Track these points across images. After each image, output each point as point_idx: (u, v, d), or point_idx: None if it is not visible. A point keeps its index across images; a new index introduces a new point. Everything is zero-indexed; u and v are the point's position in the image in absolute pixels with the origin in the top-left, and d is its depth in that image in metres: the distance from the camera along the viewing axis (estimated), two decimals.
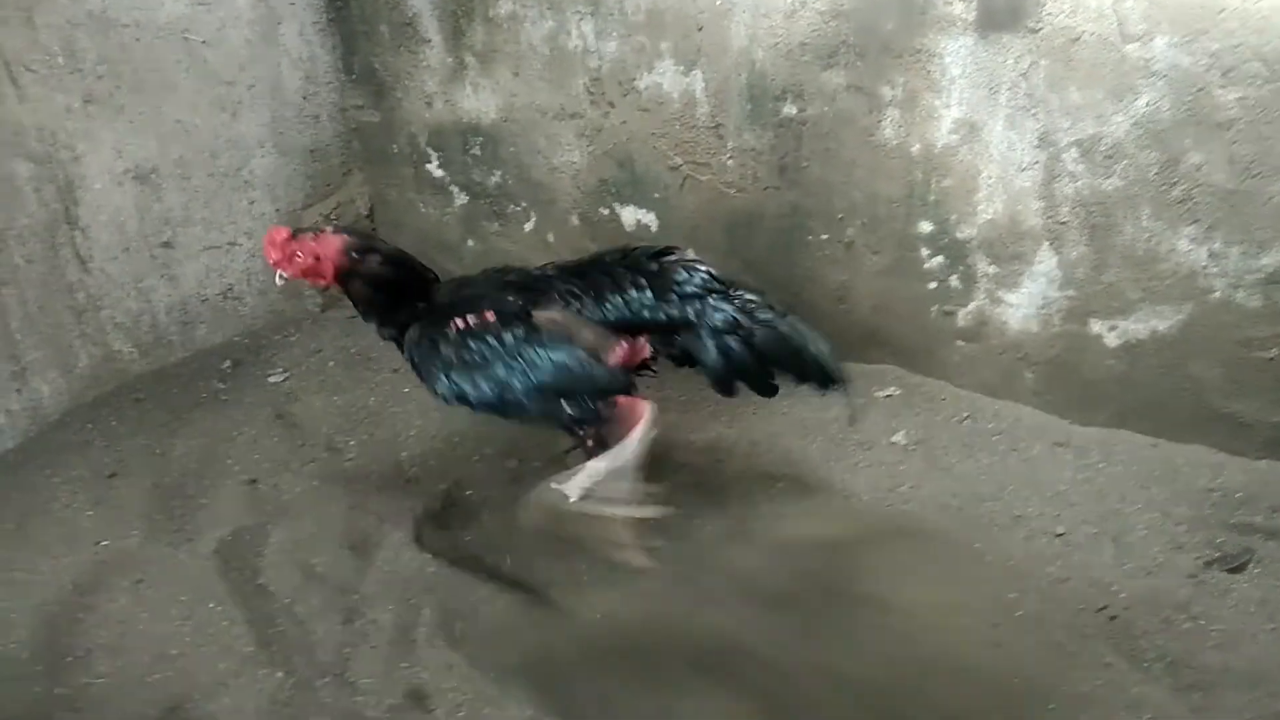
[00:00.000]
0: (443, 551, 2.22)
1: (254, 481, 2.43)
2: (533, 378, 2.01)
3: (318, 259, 2.05)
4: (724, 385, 2.08)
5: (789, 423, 2.57)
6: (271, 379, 2.90)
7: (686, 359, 2.10)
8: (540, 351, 2.01)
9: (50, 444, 2.57)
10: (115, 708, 1.86)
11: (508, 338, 2.02)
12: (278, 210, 3.16)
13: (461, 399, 2.06)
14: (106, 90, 2.60)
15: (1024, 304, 2.48)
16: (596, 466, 2.04)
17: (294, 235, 2.06)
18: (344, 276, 2.08)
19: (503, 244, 3.26)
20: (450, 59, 3.07)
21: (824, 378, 2.08)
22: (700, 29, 2.58)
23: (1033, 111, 2.29)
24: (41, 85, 2.46)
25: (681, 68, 2.66)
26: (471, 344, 2.03)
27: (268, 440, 2.60)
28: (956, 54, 2.32)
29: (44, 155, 2.50)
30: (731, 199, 2.74)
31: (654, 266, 2.08)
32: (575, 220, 3.09)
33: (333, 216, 3.33)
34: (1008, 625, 1.93)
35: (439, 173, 3.31)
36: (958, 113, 2.37)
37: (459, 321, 2.05)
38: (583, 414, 2.05)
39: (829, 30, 2.43)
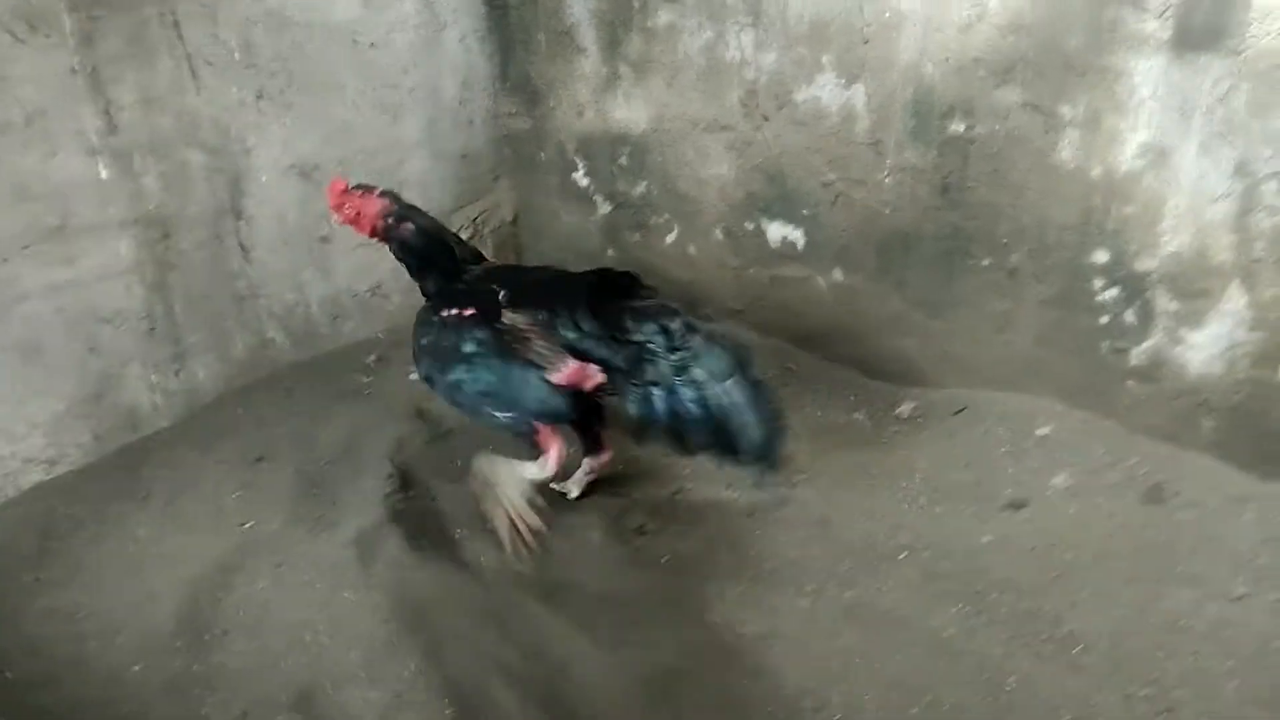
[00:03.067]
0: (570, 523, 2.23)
1: (392, 475, 2.45)
2: (479, 384, 2.10)
3: (359, 215, 2.22)
4: (636, 435, 2.05)
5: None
6: (412, 375, 2.92)
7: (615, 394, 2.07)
8: (492, 361, 2.08)
9: (203, 425, 2.65)
10: (249, 689, 1.87)
11: (469, 342, 2.09)
12: (428, 212, 3.20)
13: (429, 383, 2.20)
14: (278, 86, 2.69)
15: (1207, 345, 2.29)
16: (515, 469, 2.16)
17: (349, 189, 2.21)
18: (382, 236, 2.24)
19: (643, 255, 3.23)
20: (605, 68, 3.06)
21: (742, 459, 1.96)
22: (866, 42, 2.50)
23: (1229, 138, 2.11)
24: (219, 78, 2.56)
25: (843, 81, 2.58)
26: (449, 336, 2.12)
27: (408, 435, 2.62)
28: (1147, 74, 2.17)
29: (217, 146, 2.60)
30: (887, 218, 2.64)
31: (616, 306, 2.01)
32: (719, 234, 3.04)
33: (479, 221, 3.37)
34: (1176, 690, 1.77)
35: (584, 181, 3.31)
36: (1145, 136, 2.21)
37: (444, 312, 2.16)
38: (515, 427, 2.14)
39: (1006, 45, 2.31)
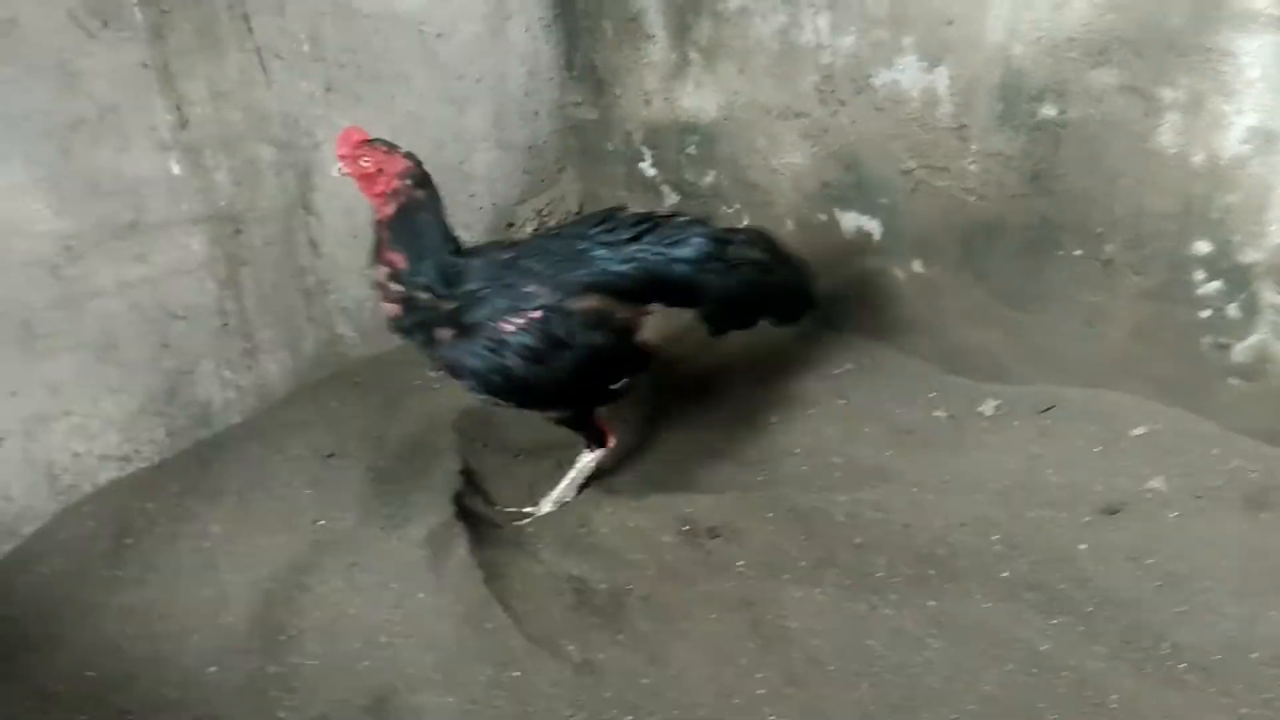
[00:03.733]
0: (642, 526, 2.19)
1: (463, 472, 2.42)
2: (580, 362, 2.14)
3: (380, 170, 2.09)
4: (717, 332, 2.38)
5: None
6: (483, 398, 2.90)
7: (687, 305, 2.29)
8: (582, 338, 2.13)
9: (274, 422, 2.64)
10: (325, 691, 1.85)
11: (559, 331, 2.11)
12: (494, 204, 3.18)
13: (520, 394, 2.17)
14: (346, 79, 2.67)
15: None
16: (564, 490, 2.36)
17: (369, 141, 2.10)
18: (389, 197, 2.09)
19: None
20: (673, 55, 2.99)
21: (799, 312, 2.49)
22: (950, 23, 2.39)
23: None
24: (288, 72, 2.54)
25: (925, 64, 2.48)
26: (527, 340, 2.10)
27: (477, 432, 2.60)
28: (1256, 54, 2.03)
29: (286, 141, 2.58)
30: (970, 207, 2.53)
31: (652, 233, 2.23)
32: (791, 224, 2.95)
33: (544, 212, 3.32)
34: None
35: (651, 171, 3.24)
36: (1252, 120, 2.08)
37: (506, 325, 2.10)
38: (624, 389, 2.30)
39: (1103, 24, 2.19)
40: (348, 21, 2.63)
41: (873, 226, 2.77)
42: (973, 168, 2.49)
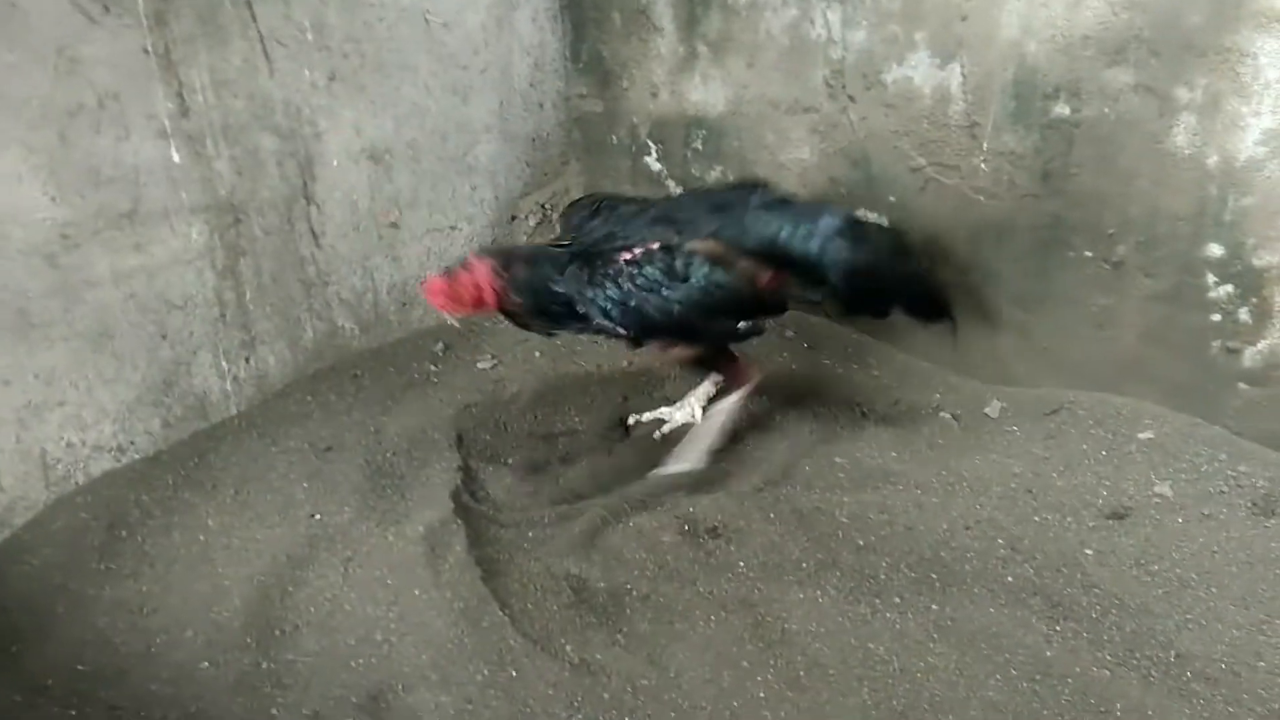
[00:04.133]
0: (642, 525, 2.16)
1: (461, 468, 2.39)
2: (711, 301, 2.17)
3: (479, 289, 2.20)
4: (848, 310, 2.41)
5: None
6: (480, 365, 2.87)
7: (815, 283, 2.27)
8: (706, 274, 2.16)
9: (272, 414, 2.62)
10: (319, 688, 1.83)
11: (677, 264, 2.16)
12: (497, 197, 3.15)
13: (644, 326, 2.20)
14: (350, 68, 2.63)
15: None
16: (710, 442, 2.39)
17: (446, 276, 2.21)
18: (504, 294, 2.21)
19: None
20: (681, 48, 2.95)
21: (933, 316, 2.38)
22: (964, 18, 2.36)
23: None
24: (291, 60, 2.51)
25: (937, 60, 2.44)
26: (646, 271, 2.16)
27: (476, 427, 2.57)
28: (1276, 54, 2.00)
29: (289, 130, 2.55)
30: (980, 206, 2.50)
31: (791, 206, 2.27)
32: None
33: (547, 206, 3.29)
34: None
35: (657, 166, 3.21)
36: (1270, 122, 2.05)
37: (625, 255, 2.18)
38: (755, 329, 2.30)
39: (1119, 22, 2.15)
40: (352, 10, 2.60)
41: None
42: (984, 166, 2.46)
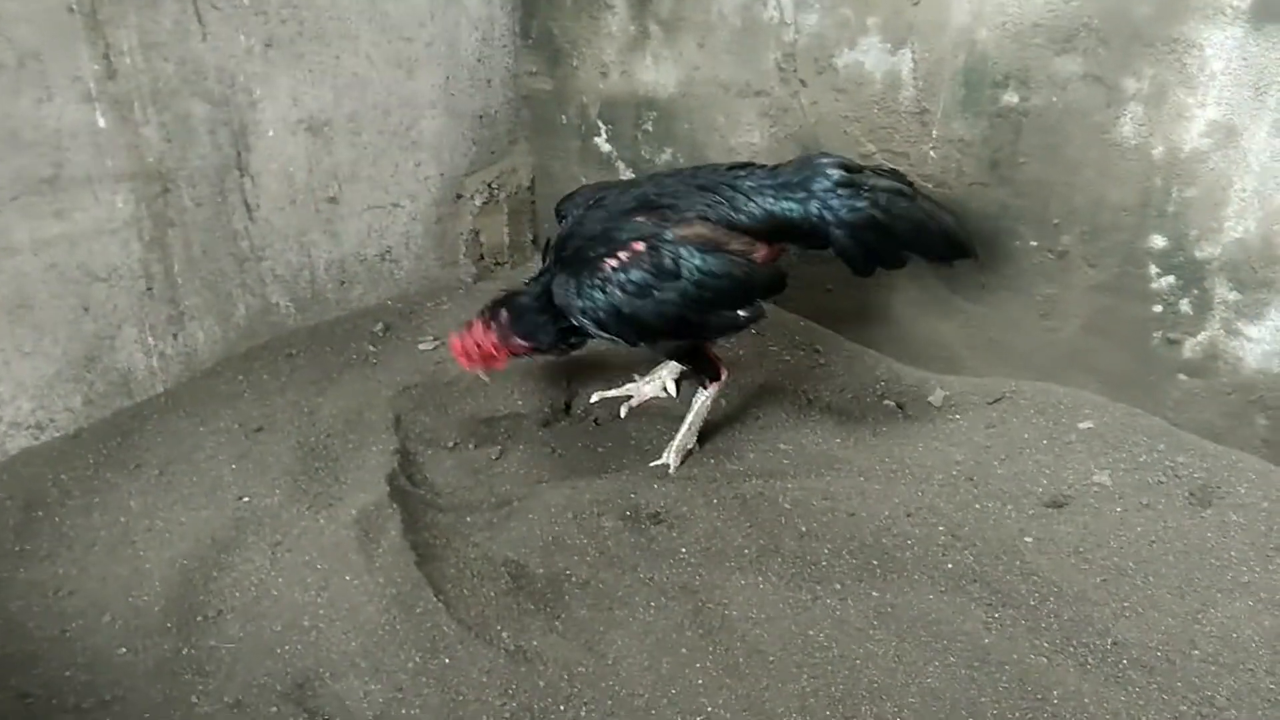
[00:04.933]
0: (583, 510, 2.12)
1: (398, 451, 2.32)
2: (707, 294, 2.09)
3: (480, 347, 2.25)
4: (859, 270, 2.22)
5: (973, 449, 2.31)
6: (422, 347, 2.80)
7: (820, 246, 2.18)
8: (697, 266, 2.08)
9: (200, 392, 2.53)
10: (242, 675, 1.76)
11: (665, 260, 2.08)
12: (442, 174, 3.07)
13: (642, 332, 2.13)
14: (288, 35, 2.54)
15: (1266, 339, 2.14)
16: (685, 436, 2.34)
17: (461, 339, 2.26)
18: (507, 346, 2.26)
19: None
20: (633, 27, 2.90)
21: (951, 253, 2.25)
22: (916, 3, 2.34)
23: None
24: (226, 24, 2.41)
25: (889, 45, 2.42)
26: (634, 275, 2.08)
27: (416, 410, 2.50)
28: (1221, 46, 2.01)
29: (221, 97, 2.45)
30: (930, 194, 2.48)
31: (780, 172, 2.18)
32: None
33: (494, 185, 3.22)
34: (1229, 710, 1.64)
35: (607, 147, 3.16)
36: (1214, 113, 2.06)
37: (611, 261, 2.09)
38: (756, 314, 2.18)
39: (1069, 11, 2.15)
40: None
41: None
42: (933, 154, 2.45)
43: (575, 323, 2.15)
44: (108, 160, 2.28)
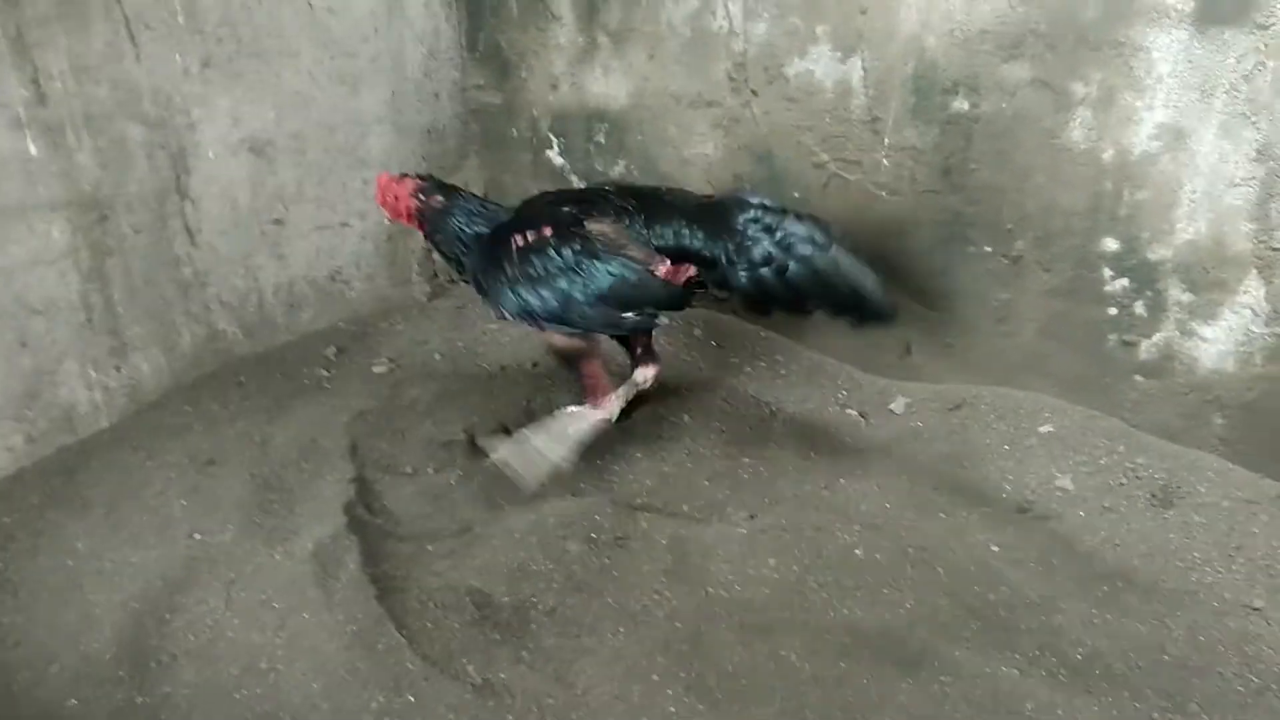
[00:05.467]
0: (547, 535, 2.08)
1: (355, 479, 2.26)
2: (594, 288, 2.11)
3: (397, 199, 2.29)
4: (755, 309, 2.20)
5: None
6: (376, 369, 2.74)
7: (722, 284, 2.18)
8: (597, 263, 2.11)
9: (147, 425, 2.44)
10: None
11: (566, 251, 2.12)
12: None
13: (527, 312, 2.17)
14: (226, 54, 2.47)
15: (1220, 339, 2.17)
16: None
17: (389, 180, 2.30)
18: (418, 217, 2.30)
19: None
20: (581, 38, 2.87)
21: (861, 314, 2.15)
22: (864, 11, 2.33)
23: (1253, 120, 1.98)
24: (160, 44, 2.34)
25: (839, 54, 2.42)
26: (533, 258, 2.14)
27: (372, 435, 2.44)
28: (1167, 49, 2.03)
29: (158, 119, 2.38)
30: (883, 202, 2.49)
31: (704, 200, 2.20)
32: None
33: None
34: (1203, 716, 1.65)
35: (559, 160, 3.12)
36: (1162, 116, 2.08)
37: (518, 238, 2.17)
38: (643, 323, 2.19)
39: (1016, 17, 2.16)
40: None
41: None
42: (885, 162, 2.44)
43: (474, 285, 2.26)
44: (40, 188, 2.19)
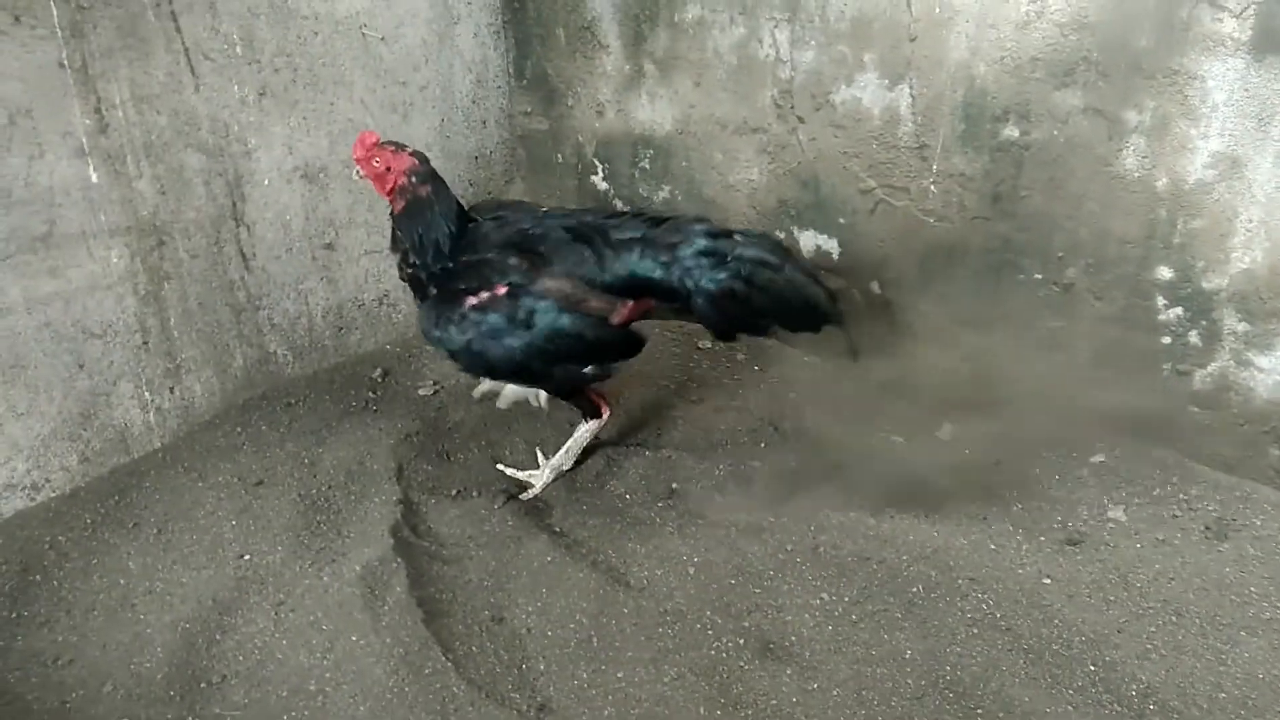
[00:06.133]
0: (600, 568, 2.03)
1: (401, 501, 2.28)
2: (551, 347, 2.13)
3: (387, 169, 2.17)
4: (721, 336, 2.24)
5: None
6: (421, 391, 2.77)
7: (683, 311, 2.19)
8: (550, 322, 2.11)
9: (199, 446, 2.48)
10: None
11: (520, 311, 2.11)
12: None
13: (488, 368, 2.19)
14: (282, 84, 2.52)
15: (1278, 370, 2.13)
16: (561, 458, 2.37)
17: (381, 144, 2.17)
18: (401, 195, 2.17)
19: None
20: (628, 66, 2.90)
21: (815, 324, 2.19)
22: (913, 39, 2.33)
23: None
24: (219, 74, 2.39)
25: (886, 81, 2.41)
26: (490, 318, 2.11)
27: (418, 458, 2.46)
28: (1222, 77, 2.00)
29: (216, 148, 2.43)
30: (930, 228, 2.47)
31: (651, 232, 2.16)
32: None
33: None
34: None
35: (604, 185, 3.14)
36: (1217, 145, 2.05)
37: (471, 299, 2.12)
38: (604, 373, 2.23)
39: (1068, 44, 2.14)
40: (285, 22, 2.49)
41: (831, 246, 2.70)
42: (933, 188, 2.43)
43: (433, 338, 2.19)
44: (101, 215, 2.25)
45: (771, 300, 2.14)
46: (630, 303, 2.17)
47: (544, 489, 2.38)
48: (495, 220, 2.25)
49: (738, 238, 2.16)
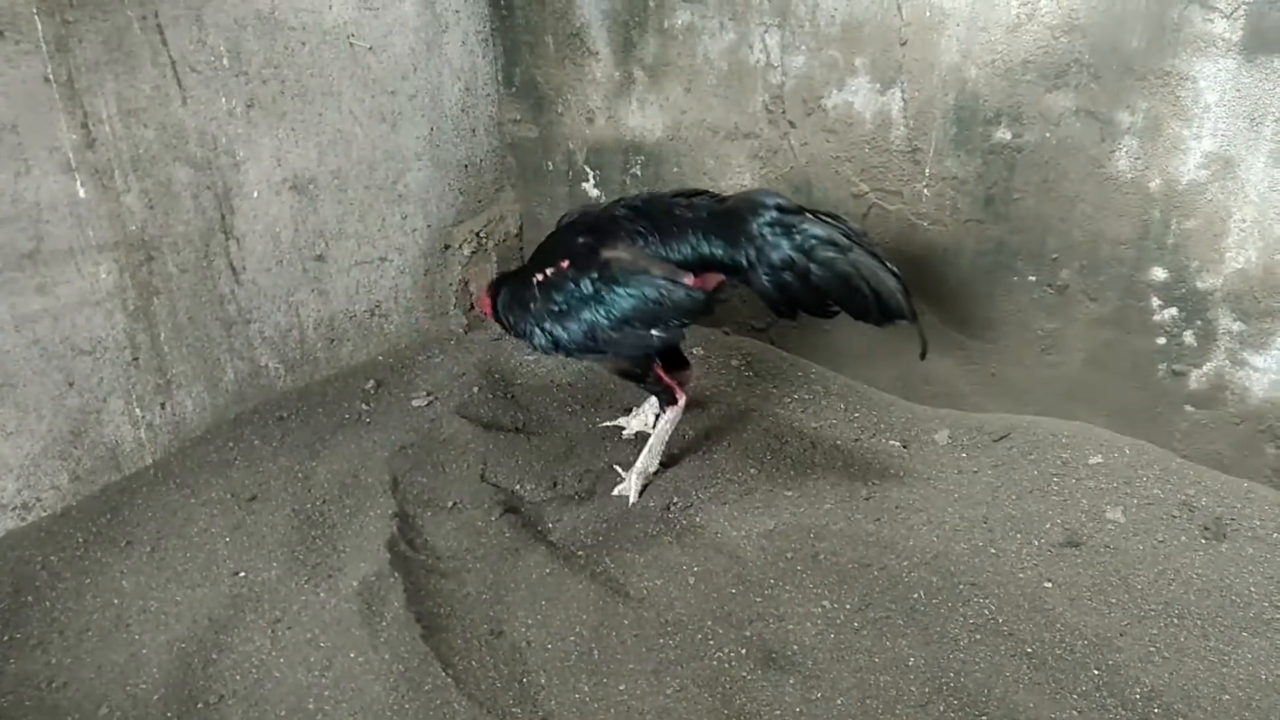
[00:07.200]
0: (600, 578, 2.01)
1: (396, 515, 2.26)
2: (616, 312, 2.15)
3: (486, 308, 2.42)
4: (779, 313, 2.17)
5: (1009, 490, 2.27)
6: (415, 402, 2.75)
7: (747, 283, 2.16)
8: (617, 288, 2.14)
9: (191, 461, 2.46)
10: None
11: (585, 281, 2.17)
12: (429, 226, 3.03)
13: (558, 346, 2.23)
14: (270, 95, 2.50)
15: (1273, 369, 2.13)
16: (645, 459, 2.37)
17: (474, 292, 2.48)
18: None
19: None
20: (617, 73, 2.88)
21: (882, 314, 2.08)
22: (904, 43, 2.33)
23: None
24: (206, 87, 2.37)
25: (877, 85, 2.41)
26: (554, 294, 2.20)
27: (413, 470, 2.44)
28: (1214, 78, 2.00)
29: (204, 161, 2.41)
30: (924, 232, 2.47)
31: (718, 207, 2.17)
32: None
33: (482, 234, 3.18)
34: None
35: (595, 192, 3.13)
36: (1210, 145, 2.05)
37: (539, 275, 2.23)
38: (671, 337, 2.20)
39: (1059, 47, 2.14)
40: (272, 34, 2.47)
41: None
42: (926, 192, 2.43)
43: (506, 330, 2.36)
44: (89, 231, 2.22)
45: (833, 279, 2.05)
46: (692, 277, 2.17)
47: (639, 495, 2.36)
48: (570, 221, 2.37)
49: (809, 215, 2.12)
